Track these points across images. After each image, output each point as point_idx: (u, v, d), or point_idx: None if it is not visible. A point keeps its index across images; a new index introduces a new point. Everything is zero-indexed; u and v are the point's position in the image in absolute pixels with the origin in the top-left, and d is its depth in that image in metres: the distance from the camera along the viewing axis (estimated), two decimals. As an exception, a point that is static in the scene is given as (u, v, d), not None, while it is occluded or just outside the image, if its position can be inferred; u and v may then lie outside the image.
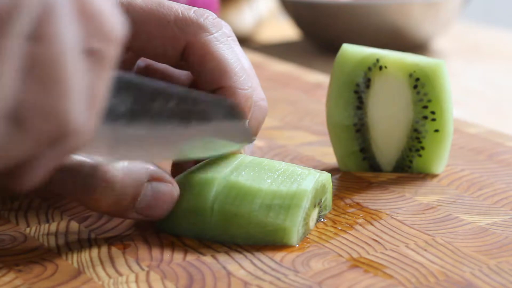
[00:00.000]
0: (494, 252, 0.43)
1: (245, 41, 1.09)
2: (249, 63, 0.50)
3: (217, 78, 0.47)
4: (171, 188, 0.45)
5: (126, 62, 0.50)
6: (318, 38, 1.00)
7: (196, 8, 0.48)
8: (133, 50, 0.48)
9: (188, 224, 0.45)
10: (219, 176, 0.45)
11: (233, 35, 0.50)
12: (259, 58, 0.89)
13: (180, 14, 0.47)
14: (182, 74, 0.52)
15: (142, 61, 0.52)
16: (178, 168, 0.51)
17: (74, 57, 0.31)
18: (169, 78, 0.51)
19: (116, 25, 0.33)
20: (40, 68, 0.31)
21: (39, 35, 0.31)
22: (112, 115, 0.37)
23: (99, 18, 0.33)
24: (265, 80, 0.80)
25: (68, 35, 0.31)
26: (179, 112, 0.42)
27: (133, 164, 0.45)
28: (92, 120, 0.33)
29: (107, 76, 0.33)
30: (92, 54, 0.32)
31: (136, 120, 0.39)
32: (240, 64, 0.48)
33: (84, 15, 0.32)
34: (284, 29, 1.15)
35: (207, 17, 0.48)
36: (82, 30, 0.32)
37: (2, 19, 0.29)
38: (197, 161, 0.49)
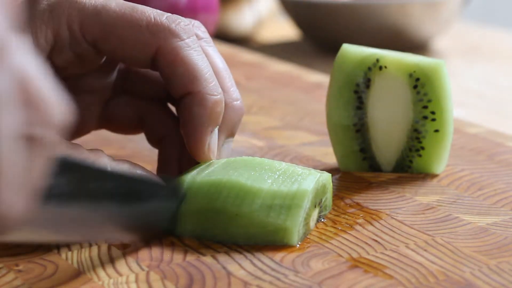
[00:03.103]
0: (494, 252, 0.43)
1: (245, 41, 1.09)
2: (223, 63, 0.50)
3: (186, 83, 0.47)
4: None
5: (106, 66, 0.50)
6: (318, 38, 1.00)
7: (170, 14, 0.48)
8: (104, 53, 0.48)
9: (189, 224, 0.45)
10: (221, 177, 0.45)
11: (207, 36, 0.50)
12: (259, 58, 0.89)
13: (153, 19, 0.47)
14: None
15: (123, 64, 0.52)
16: (163, 171, 0.50)
17: (9, 145, 0.31)
18: (150, 80, 0.51)
19: (58, 112, 0.33)
20: None
21: None
22: (52, 196, 0.37)
23: (41, 106, 0.32)
24: (265, 80, 0.80)
25: (6, 124, 0.31)
26: (116, 193, 0.42)
27: (119, 171, 0.45)
28: (23, 203, 0.33)
29: (44, 160, 0.33)
30: (31, 140, 0.32)
31: (76, 201, 0.39)
32: (209, 71, 0.48)
33: (27, 103, 0.32)
34: (284, 29, 1.15)
35: (178, 23, 0.48)
36: (23, 117, 0.32)
37: None
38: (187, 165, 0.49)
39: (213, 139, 0.48)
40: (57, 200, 0.38)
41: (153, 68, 0.49)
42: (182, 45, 0.47)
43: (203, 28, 0.50)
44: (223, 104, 0.48)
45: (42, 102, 0.32)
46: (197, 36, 0.49)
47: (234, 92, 0.50)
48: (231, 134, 0.50)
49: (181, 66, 0.47)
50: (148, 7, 0.48)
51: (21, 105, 0.32)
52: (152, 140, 0.52)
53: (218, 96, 0.47)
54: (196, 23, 0.50)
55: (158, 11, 0.48)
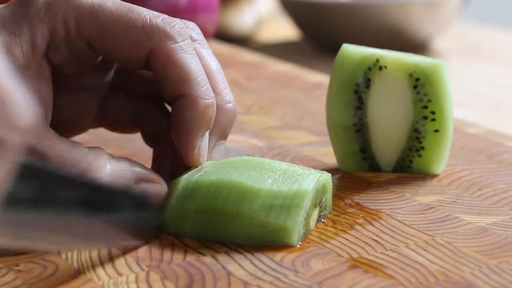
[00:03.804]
0: (494, 252, 0.43)
1: (245, 41, 1.09)
2: (217, 65, 0.50)
3: (178, 86, 0.47)
4: (159, 188, 0.46)
5: (103, 64, 0.50)
6: (318, 38, 1.00)
7: (166, 16, 0.48)
8: (99, 51, 0.48)
9: (189, 224, 0.45)
10: (221, 177, 0.45)
11: (202, 38, 0.50)
12: (259, 58, 0.89)
13: (148, 20, 0.48)
14: None
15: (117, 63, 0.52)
16: (157, 169, 0.50)
17: None
18: (147, 79, 0.51)
19: (22, 112, 0.32)
20: None
21: None
22: (15, 200, 0.36)
23: (4, 108, 0.31)
24: (265, 80, 0.80)
25: None
26: (86, 202, 0.40)
27: (119, 168, 0.45)
28: None
29: (8, 163, 0.32)
30: None
31: (40, 206, 0.38)
32: (202, 74, 0.48)
33: None
34: (284, 29, 1.15)
35: (173, 25, 0.48)
36: None
37: None
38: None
39: (203, 143, 0.48)
40: (19, 206, 0.36)
41: (146, 69, 0.49)
42: (176, 47, 0.47)
43: (197, 30, 0.50)
44: (215, 108, 0.48)
45: (4, 103, 0.31)
46: (191, 37, 0.49)
47: (227, 94, 0.50)
48: (223, 137, 0.50)
49: (174, 68, 0.47)
50: (145, 8, 0.48)
51: None
52: (148, 139, 0.52)
53: (210, 100, 0.48)
54: (191, 24, 0.50)
55: (154, 12, 0.48)
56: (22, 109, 0.32)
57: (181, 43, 0.48)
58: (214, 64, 0.50)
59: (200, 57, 0.49)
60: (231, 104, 0.50)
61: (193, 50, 0.48)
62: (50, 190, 0.38)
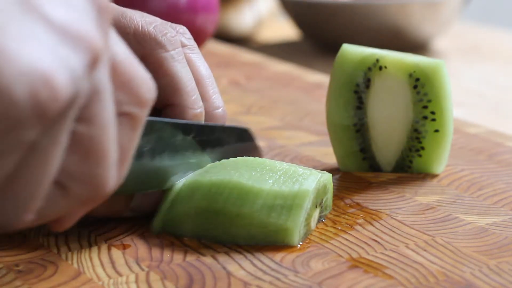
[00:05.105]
0: (494, 252, 0.43)
1: (245, 41, 1.09)
2: (207, 70, 0.50)
3: (168, 95, 0.48)
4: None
5: None
6: (318, 38, 1.00)
7: (158, 23, 0.48)
8: None
9: (189, 225, 0.45)
10: (222, 178, 0.45)
11: (192, 43, 0.50)
12: (259, 58, 0.89)
13: (140, 27, 0.48)
14: None
15: None
16: None
17: (112, 131, 0.34)
18: None
19: (148, 90, 0.36)
20: (83, 144, 0.34)
21: (84, 117, 0.33)
22: (137, 154, 0.41)
23: (132, 85, 0.36)
24: (265, 80, 0.80)
25: (109, 114, 0.34)
26: (198, 141, 0.46)
27: None
28: (121, 176, 0.36)
29: (137, 135, 0.36)
30: (125, 118, 0.36)
31: (159, 155, 0.44)
32: (192, 84, 0.48)
33: (120, 83, 0.35)
34: (284, 29, 1.15)
35: (165, 33, 0.48)
36: (118, 97, 0.35)
37: (67, 106, 0.32)
38: None
39: None
40: (143, 158, 0.43)
41: None
42: (166, 56, 0.48)
43: (188, 35, 0.50)
44: (203, 118, 0.48)
45: (132, 81, 0.36)
46: (181, 43, 0.49)
47: (216, 100, 0.50)
48: None
49: (164, 77, 0.47)
50: (138, 14, 0.48)
51: (114, 87, 0.35)
52: None
53: (198, 110, 0.48)
54: (181, 29, 0.50)
55: (147, 18, 0.48)
56: (146, 87, 0.36)
57: (171, 52, 0.48)
58: (203, 70, 0.50)
59: (189, 62, 0.49)
60: (220, 110, 0.50)
61: (184, 59, 0.48)
62: (166, 139, 0.44)
